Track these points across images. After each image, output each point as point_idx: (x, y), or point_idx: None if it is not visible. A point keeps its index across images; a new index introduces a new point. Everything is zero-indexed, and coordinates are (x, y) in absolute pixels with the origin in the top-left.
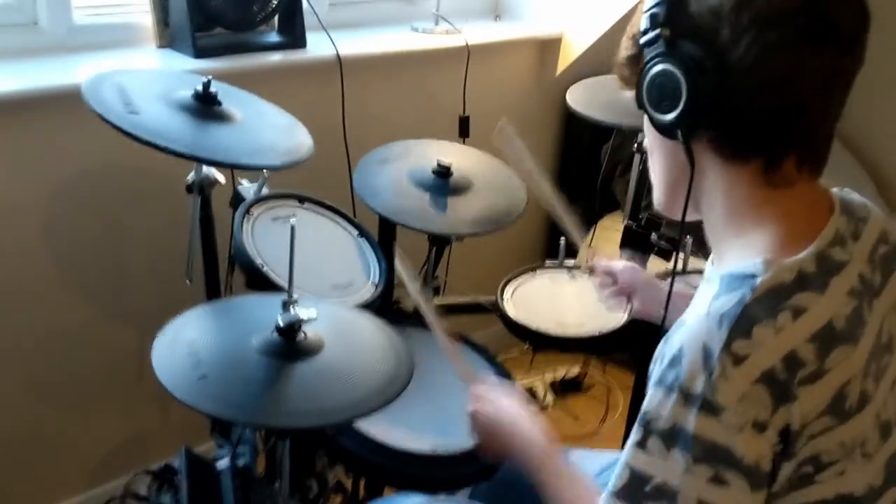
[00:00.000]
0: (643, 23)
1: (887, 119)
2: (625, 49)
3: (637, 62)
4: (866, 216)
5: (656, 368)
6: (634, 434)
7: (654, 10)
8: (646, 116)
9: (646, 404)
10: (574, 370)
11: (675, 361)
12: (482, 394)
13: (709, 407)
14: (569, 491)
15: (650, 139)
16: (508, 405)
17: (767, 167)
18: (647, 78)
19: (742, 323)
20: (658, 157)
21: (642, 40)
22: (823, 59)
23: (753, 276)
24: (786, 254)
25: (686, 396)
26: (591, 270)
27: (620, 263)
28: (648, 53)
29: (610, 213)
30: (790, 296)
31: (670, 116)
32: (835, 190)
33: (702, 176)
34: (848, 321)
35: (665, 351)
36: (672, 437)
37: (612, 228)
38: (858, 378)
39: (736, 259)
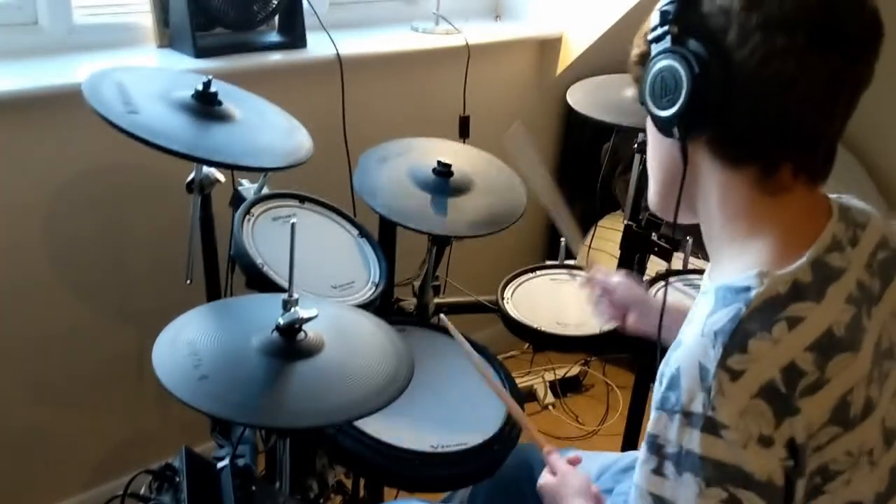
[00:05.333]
0: (654, 19)
1: (887, 119)
2: (636, 47)
3: (646, 60)
4: (865, 222)
5: (657, 390)
6: (648, 460)
7: (665, 7)
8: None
9: (652, 427)
10: (574, 370)
11: (673, 383)
12: (551, 465)
13: (711, 426)
14: None
15: (650, 136)
16: (570, 486)
17: (762, 174)
18: (651, 73)
19: (737, 338)
20: (656, 156)
21: (650, 36)
22: (829, 66)
23: (748, 290)
24: (782, 263)
25: (688, 418)
26: (588, 281)
27: (617, 277)
28: (655, 49)
29: (610, 213)
30: (785, 306)
31: (669, 112)
32: (834, 196)
33: (697, 179)
34: (848, 329)
35: (664, 372)
36: (681, 461)
37: (612, 228)
38: (862, 385)
39: (731, 269)
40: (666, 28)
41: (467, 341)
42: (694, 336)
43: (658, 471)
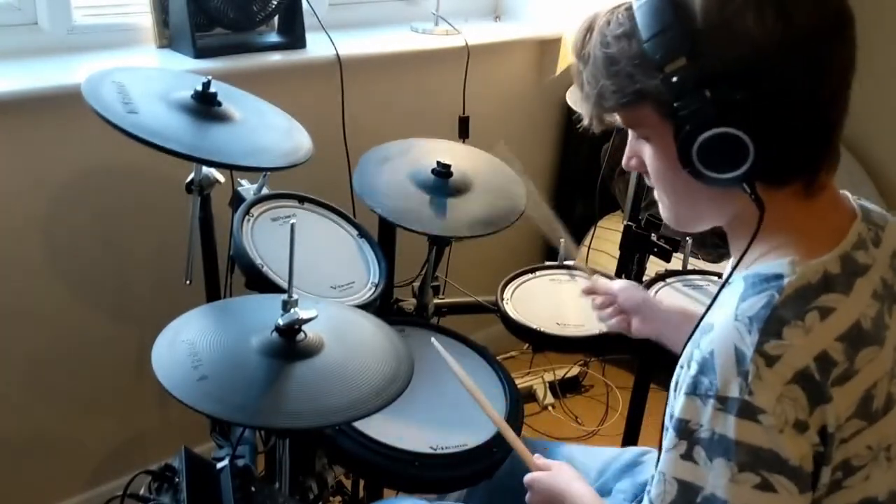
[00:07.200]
0: (669, 87)
1: (887, 119)
2: (613, 96)
3: (628, 107)
4: (884, 224)
5: (685, 375)
6: (676, 445)
7: (677, 66)
8: (651, 153)
9: (681, 412)
10: (574, 370)
11: (705, 367)
12: (541, 464)
13: (747, 410)
14: None
15: (667, 178)
16: (565, 474)
17: (806, 184)
18: (698, 143)
19: (772, 324)
20: (677, 192)
21: (678, 104)
22: (849, 58)
23: (780, 277)
24: (811, 255)
25: (723, 402)
26: (591, 290)
27: (619, 283)
28: (690, 118)
29: (609, 214)
30: (817, 296)
31: (733, 174)
32: (854, 197)
33: (734, 201)
34: (874, 323)
35: (693, 356)
36: (714, 446)
37: (611, 229)
38: (885, 381)
39: (760, 259)
40: (696, 95)
41: (463, 355)
42: (727, 320)
43: (688, 456)
